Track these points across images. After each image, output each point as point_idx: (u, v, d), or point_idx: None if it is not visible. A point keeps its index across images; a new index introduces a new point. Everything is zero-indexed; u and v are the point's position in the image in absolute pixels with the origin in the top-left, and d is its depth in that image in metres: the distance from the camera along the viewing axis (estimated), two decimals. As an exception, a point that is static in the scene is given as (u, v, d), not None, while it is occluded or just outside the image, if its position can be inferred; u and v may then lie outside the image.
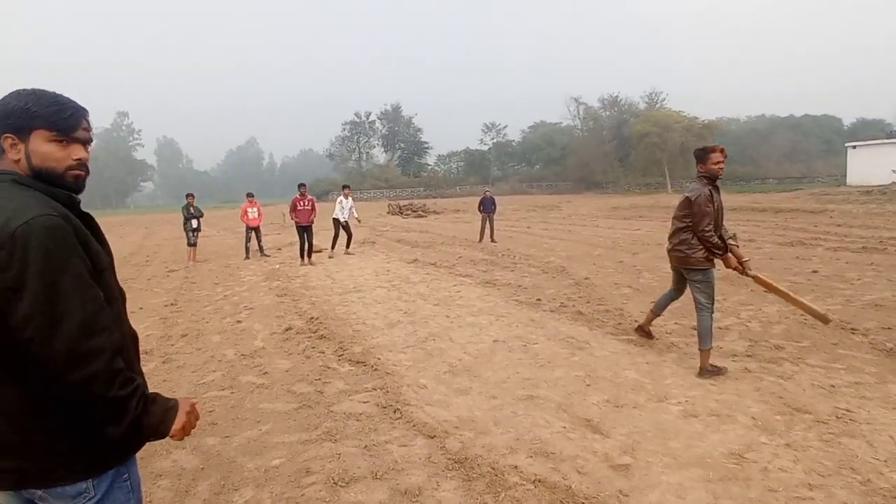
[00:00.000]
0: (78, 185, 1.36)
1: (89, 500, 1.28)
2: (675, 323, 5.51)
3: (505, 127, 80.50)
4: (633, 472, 2.77)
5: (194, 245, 12.62)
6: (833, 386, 3.80)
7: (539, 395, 3.84)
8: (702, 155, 4.18)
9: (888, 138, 39.70)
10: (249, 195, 13.08)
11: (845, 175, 37.38)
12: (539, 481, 2.68)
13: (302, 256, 11.27)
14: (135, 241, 20.58)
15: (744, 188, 45.11)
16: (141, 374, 1.43)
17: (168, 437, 1.34)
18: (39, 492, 1.27)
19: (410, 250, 12.99)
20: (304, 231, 11.31)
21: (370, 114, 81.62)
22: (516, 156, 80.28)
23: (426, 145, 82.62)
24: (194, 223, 12.56)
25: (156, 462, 3.05)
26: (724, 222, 4.30)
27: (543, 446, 3.06)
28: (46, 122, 1.28)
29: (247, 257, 12.54)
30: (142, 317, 6.82)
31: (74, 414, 1.25)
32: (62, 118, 1.30)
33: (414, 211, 30.28)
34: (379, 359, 4.74)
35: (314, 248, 11.74)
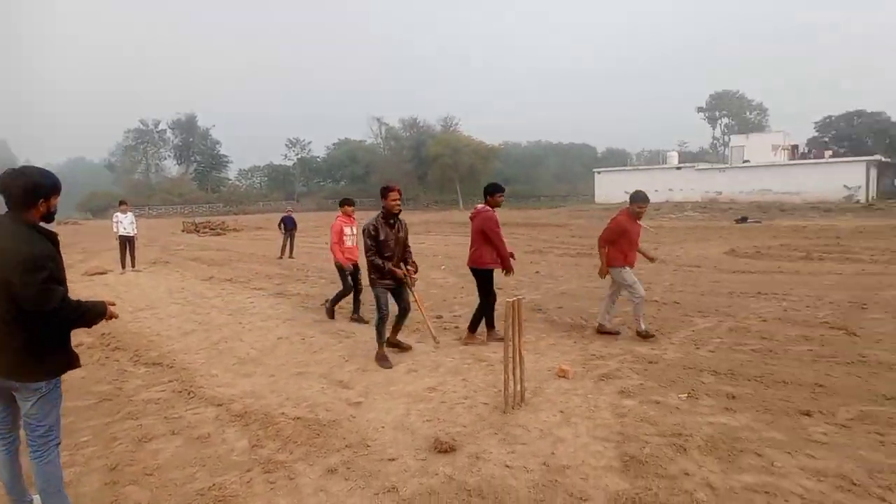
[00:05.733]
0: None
1: (46, 392, 2.51)
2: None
3: (310, 143, 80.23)
4: (363, 405, 4.21)
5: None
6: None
7: (308, 370, 5.11)
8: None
9: (623, 167, 50.52)
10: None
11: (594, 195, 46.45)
12: (298, 418, 3.95)
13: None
14: None
15: (521, 205, 52.55)
16: None
17: None
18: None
19: (206, 268, 13.18)
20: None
21: (159, 122, 74.35)
22: (321, 172, 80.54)
23: (225, 159, 78.01)
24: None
25: None
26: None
27: (305, 400, 4.34)
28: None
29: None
30: None
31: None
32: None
33: (212, 229, 29.18)
34: (174, 360, 5.52)
35: (100, 270, 11.29)
